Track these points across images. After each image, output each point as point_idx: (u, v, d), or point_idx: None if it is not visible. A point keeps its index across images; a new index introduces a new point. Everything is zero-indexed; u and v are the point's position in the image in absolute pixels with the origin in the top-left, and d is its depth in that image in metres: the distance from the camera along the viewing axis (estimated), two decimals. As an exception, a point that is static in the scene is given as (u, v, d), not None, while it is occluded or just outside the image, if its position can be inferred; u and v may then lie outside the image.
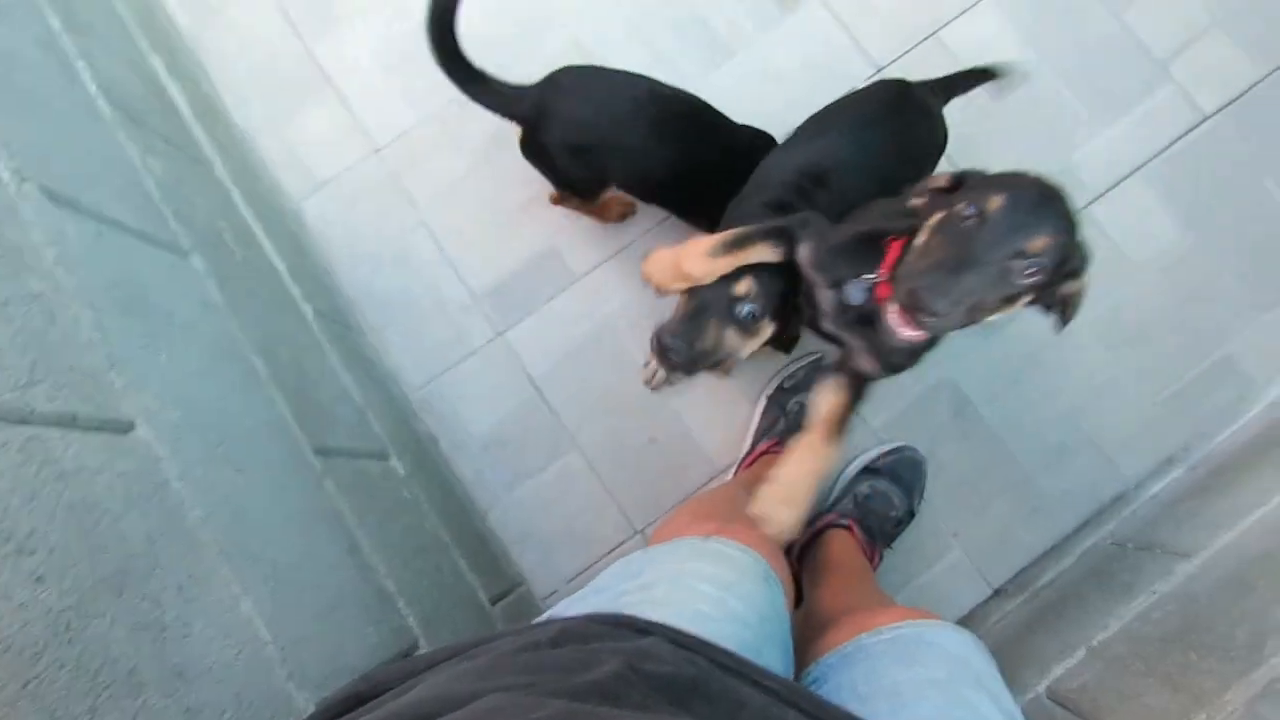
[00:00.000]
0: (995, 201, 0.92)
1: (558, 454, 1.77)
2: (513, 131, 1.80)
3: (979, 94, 1.77)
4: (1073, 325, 1.06)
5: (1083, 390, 1.72)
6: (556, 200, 1.77)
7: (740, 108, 1.63)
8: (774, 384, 1.72)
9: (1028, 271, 0.91)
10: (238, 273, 1.35)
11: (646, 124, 1.49)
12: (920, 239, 0.99)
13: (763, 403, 1.72)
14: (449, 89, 1.85)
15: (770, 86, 1.83)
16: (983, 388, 1.73)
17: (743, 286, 1.17)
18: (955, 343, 1.68)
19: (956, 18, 1.85)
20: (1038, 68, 1.83)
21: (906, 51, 1.84)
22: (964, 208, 0.93)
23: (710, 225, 1.34)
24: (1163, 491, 1.67)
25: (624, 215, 1.82)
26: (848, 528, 1.60)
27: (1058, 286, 0.98)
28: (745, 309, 1.17)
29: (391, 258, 1.84)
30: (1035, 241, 0.90)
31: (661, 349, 1.18)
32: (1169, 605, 1.32)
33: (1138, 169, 1.78)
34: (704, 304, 1.17)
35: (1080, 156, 1.79)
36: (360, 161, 1.85)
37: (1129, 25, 1.84)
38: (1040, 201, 0.94)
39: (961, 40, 1.83)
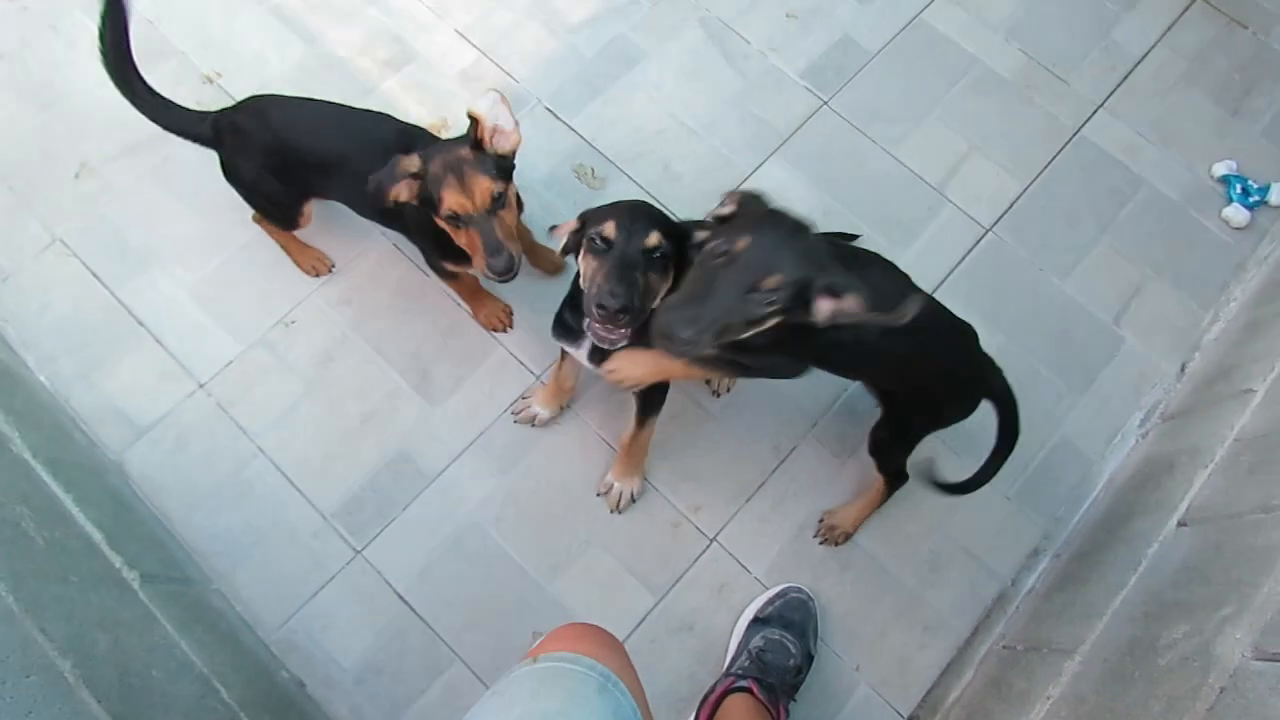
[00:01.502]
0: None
1: (439, 670, 1.68)
2: (342, 348, 1.82)
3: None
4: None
5: (941, 499, 1.80)
6: (257, 220, 1.84)
7: (568, 283, 1.72)
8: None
9: (766, 303, 1.14)
10: (40, 562, 1.25)
11: (348, 135, 1.60)
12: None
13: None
14: (271, 314, 1.87)
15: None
16: (850, 514, 1.79)
17: (654, 239, 1.27)
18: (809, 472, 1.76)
19: (750, 175, 2.04)
20: (833, 206, 2.02)
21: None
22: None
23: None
24: (1038, 584, 1.75)
25: (315, 268, 1.90)
26: (748, 689, 1.57)
27: (807, 308, 1.17)
28: (658, 254, 1.28)
29: (231, 494, 1.76)
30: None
31: (606, 311, 1.23)
32: (1062, 711, 1.35)
33: (940, 284, 1.97)
34: (624, 261, 1.26)
35: (888, 281, 1.96)
36: (184, 400, 1.80)
37: (902, 160, 2.08)
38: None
39: (760, 194, 2.01)
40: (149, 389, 1.80)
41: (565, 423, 1.83)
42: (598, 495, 1.78)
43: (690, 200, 2.01)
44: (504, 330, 1.89)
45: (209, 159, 1.96)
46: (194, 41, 2.09)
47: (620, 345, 1.36)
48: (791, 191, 2.03)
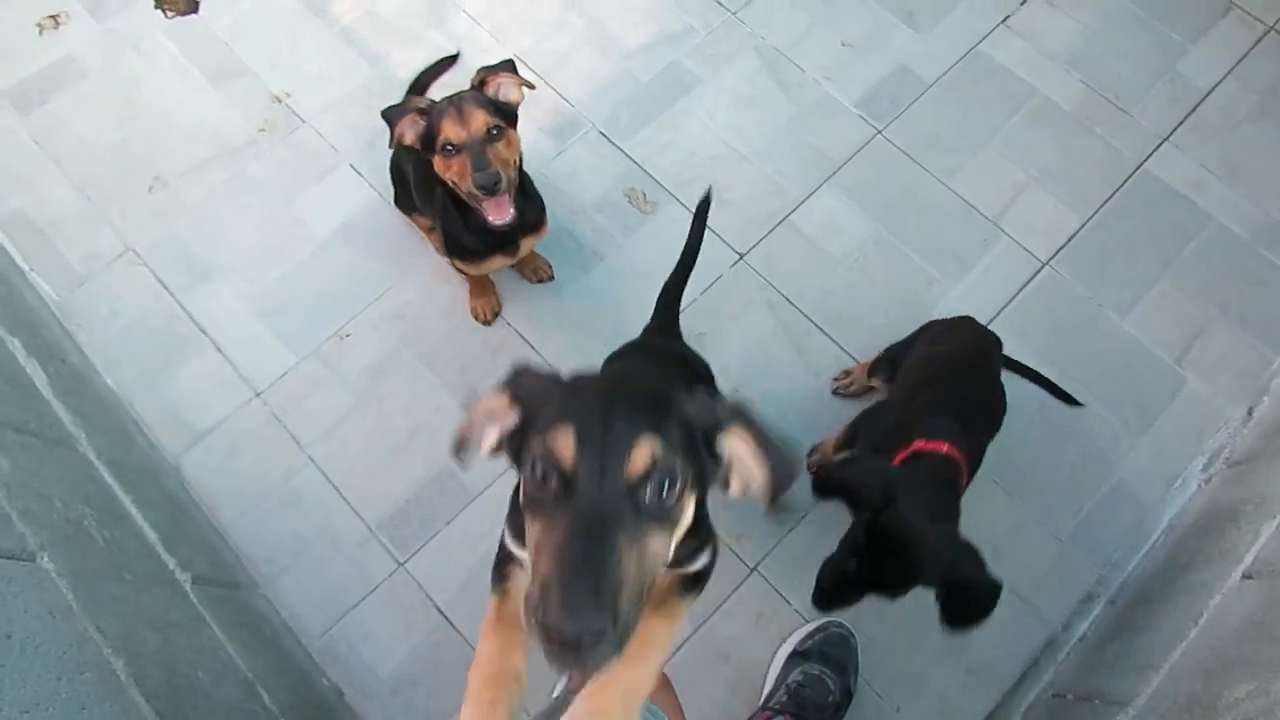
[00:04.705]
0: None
1: (475, 687, 1.68)
2: (393, 362, 1.86)
3: (834, 272, 1.93)
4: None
5: (990, 537, 1.73)
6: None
7: (615, 305, 1.76)
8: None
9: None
10: (99, 561, 1.29)
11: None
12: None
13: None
14: (327, 326, 1.92)
15: (639, 283, 1.93)
16: (895, 549, 1.75)
17: (640, 457, 0.70)
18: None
19: (802, 203, 2.03)
20: (885, 236, 2.00)
21: (763, 237, 2.00)
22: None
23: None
24: (1090, 631, 1.68)
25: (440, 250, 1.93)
26: (785, 725, 1.54)
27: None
28: (651, 489, 0.71)
29: (280, 501, 1.79)
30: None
31: (554, 637, 0.64)
32: (1114, 766, 1.30)
33: (994, 318, 1.93)
34: (590, 528, 0.68)
35: (940, 312, 1.93)
36: (240, 408, 1.85)
37: (957, 191, 2.05)
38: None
39: (811, 222, 2.01)
40: (208, 396, 1.85)
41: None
42: None
43: (740, 227, 2.01)
44: (484, 324, 1.92)
45: (274, 176, 2.05)
46: (265, 62, 2.17)
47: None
48: (843, 220, 2.02)
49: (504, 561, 0.98)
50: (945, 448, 1.37)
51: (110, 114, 2.10)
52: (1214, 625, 1.36)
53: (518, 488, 0.83)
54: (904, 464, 1.37)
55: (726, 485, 0.80)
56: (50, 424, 1.50)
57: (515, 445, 0.79)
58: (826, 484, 1.30)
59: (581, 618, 0.63)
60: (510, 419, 0.79)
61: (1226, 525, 1.56)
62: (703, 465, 0.77)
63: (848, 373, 1.87)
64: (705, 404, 0.78)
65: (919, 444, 1.38)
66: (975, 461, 1.44)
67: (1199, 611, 1.40)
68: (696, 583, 1.00)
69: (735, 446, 0.77)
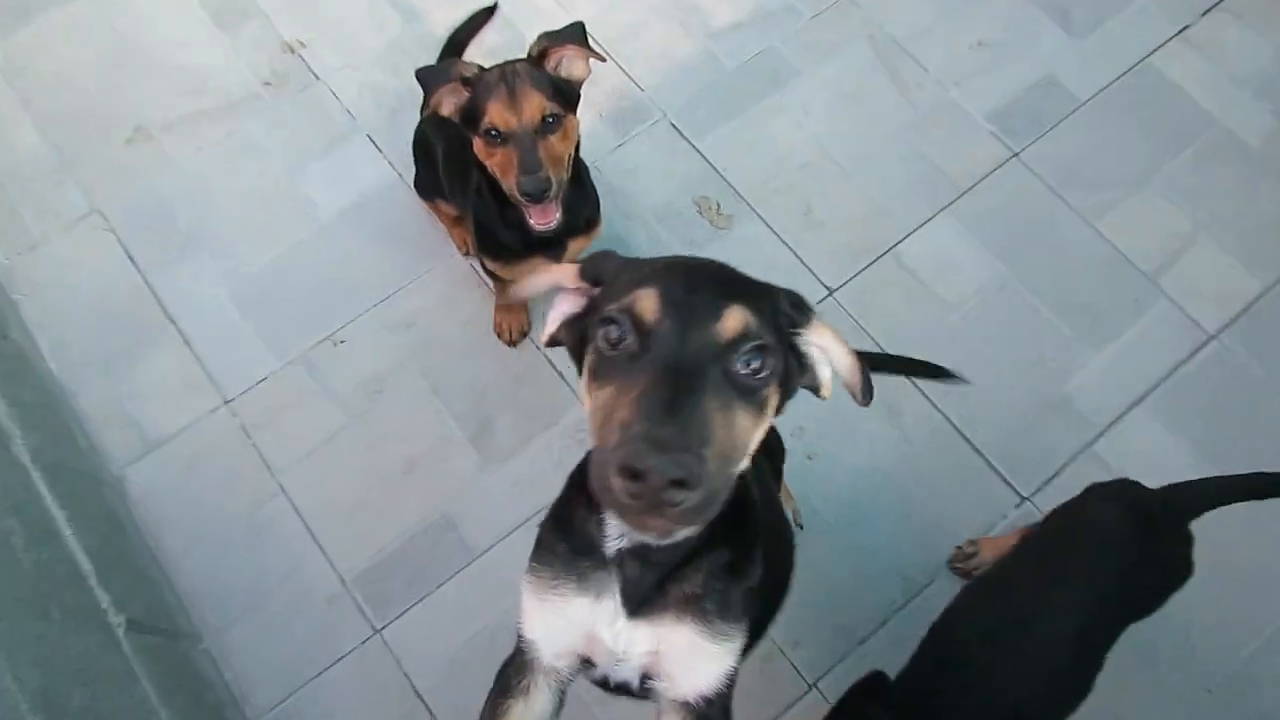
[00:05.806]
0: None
1: (452, 792, 1.65)
2: (395, 380, 1.86)
3: (944, 320, 1.90)
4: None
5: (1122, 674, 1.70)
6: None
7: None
8: None
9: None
10: (24, 589, 1.30)
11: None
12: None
13: None
14: (320, 328, 1.93)
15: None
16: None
17: (732, 320, 0.78)
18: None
19: (911, 232, 2.02)
20: (1009, 280, 1.98)
21: (860, 271, 1.99)
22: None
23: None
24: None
25: (464, 247, 2.00)
26: None
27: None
28: (741, 358, 0.78)
29: (240, 536, 1.79)
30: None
31: (636, 485, 0.67)
32: None
33: (1141, 399, 1.88)
34: (678, 371, 0.75)
35: (1075, 386, 1.89)
36: (205, 416, 1.86)
37: (1106, 236, 2.02)
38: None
39: (920, 257, 1.98)
40: (167, 397, 1.87)
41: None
42: None
43: (832, 255, 2.00)
44: (509, 344, 1.93)
45: (277, 140, 2.08)
46: (280, 2, 2.21)
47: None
48: (961, 258, 2.00)
49: (517, 668, 1.02)
50: None
51: (93, 49, 2.16)
52: None
53: (579, 466, 1.00)
54: None
55: (814, 389, 0.90)
56: (-19, 414, 1.52)
57: (578, 332, 0.87)
58: None
59: (671, 453, 0.67)
60: (578, 302, 0.89)
61: None
62: (789, 362, 0.85)
63: (973, 545, 1.76)
64: (793, 298, 0.88)
65: None
66: None
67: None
68: None
69: (823, 339, 0.87)
